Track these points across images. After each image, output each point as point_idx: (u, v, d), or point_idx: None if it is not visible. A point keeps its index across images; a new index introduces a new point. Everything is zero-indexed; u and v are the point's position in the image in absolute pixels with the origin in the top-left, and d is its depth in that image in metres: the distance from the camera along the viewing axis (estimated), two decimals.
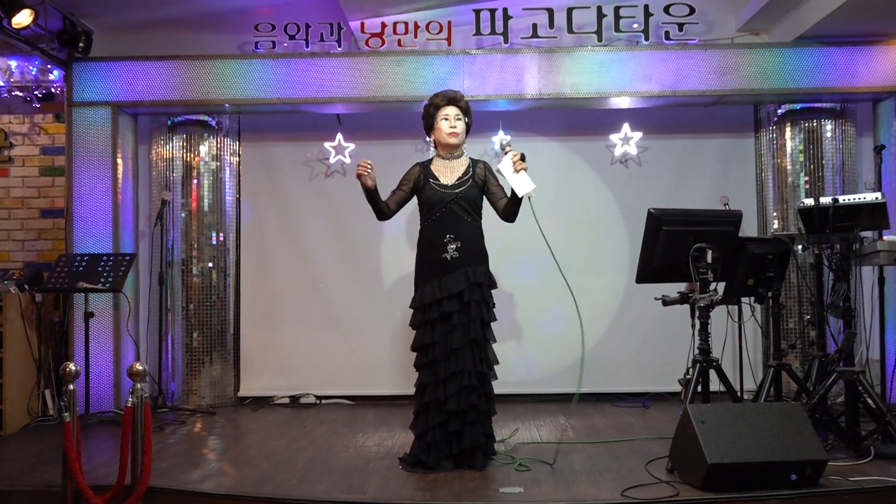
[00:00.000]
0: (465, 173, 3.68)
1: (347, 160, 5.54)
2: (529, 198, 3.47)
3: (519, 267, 5.42)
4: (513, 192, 3.53)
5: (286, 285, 5.61)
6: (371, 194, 3.63)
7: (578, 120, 5.56)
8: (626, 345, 5.48)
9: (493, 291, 3.71)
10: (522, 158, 3.49)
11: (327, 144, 5.56)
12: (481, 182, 3.68)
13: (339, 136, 5.55)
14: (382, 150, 5.58)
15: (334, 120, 5.55)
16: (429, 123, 3.78)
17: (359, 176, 3.57)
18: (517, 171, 3.47)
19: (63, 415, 2.96)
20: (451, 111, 3.68)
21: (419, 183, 3.69)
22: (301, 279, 5.60)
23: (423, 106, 3.84)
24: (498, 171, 3.60)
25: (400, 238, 5.44)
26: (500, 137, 5.46)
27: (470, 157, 3.78)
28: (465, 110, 3.74)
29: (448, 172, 3.68)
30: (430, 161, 3.79)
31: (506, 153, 3.54)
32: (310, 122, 5.59)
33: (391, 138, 5.58)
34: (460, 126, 3.68)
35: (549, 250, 3.39)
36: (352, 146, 5.55)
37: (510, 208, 3.62)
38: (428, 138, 3.93)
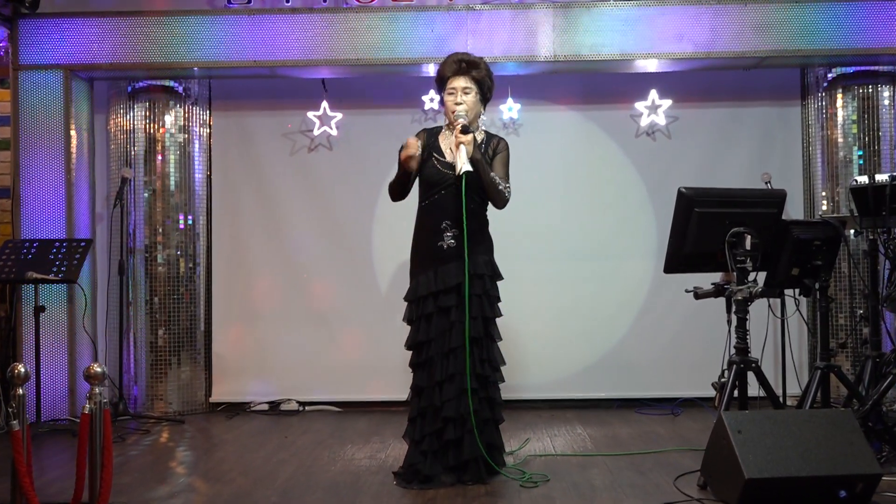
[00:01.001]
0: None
1: (334, 132, 5.54)
2: (463, 179, 3.45)
3: (527, 254, 5.43)
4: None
5: (264, 275, 5.62)
6: (406, 176, 3.64)
7: (599, 86, 5.55)
8: (653, 343, 5.50)
9: (498, 284, 3.72)
10: (464, 131, 3.48)
11: (311, 114, 5.56)
12: (490, 162, 3.66)
13: (325, 104, 5.54)
14: (374, 120, 5.58)
15: (319, 86, 5.54)
16: (440, 92, 3.77)
17: (408, 159, 3.54)
18: (457, 146, 3.48)
19: (11, 423, 2.97)
20: (458, 83, 3.65)
21: (423, 153, 3.67)
22: (281, 268, 5.61)
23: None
24: (450, 149, 3.60)
25: (395, 221, 5.43)
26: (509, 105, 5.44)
27: (486, 132, 3.76)
28: (479, 80, 3.68)
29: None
30: (438, 130, 3.77)
31: (454, 125, 3.54)
32: (291, 89, 5.57)
33: (384, 106, 5.57)
34: (469, 101, 3.64)
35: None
36: (339, 116, 5.54)
37: (485, 192, 3.61)
38: (441, 104, 3.90)
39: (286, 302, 5.60)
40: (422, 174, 3.68)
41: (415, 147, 3.55)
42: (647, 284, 5.50)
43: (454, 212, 3.58)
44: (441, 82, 3.72)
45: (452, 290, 3.56)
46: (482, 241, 3.67)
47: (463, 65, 3.66)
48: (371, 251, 5.59)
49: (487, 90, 3.73)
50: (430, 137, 3.73)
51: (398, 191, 3.72)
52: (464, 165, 3.44)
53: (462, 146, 3.47)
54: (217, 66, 5.25)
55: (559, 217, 5.54)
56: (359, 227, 5.58)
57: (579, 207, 5.55)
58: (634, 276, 5.52)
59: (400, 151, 3.58)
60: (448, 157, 3.63)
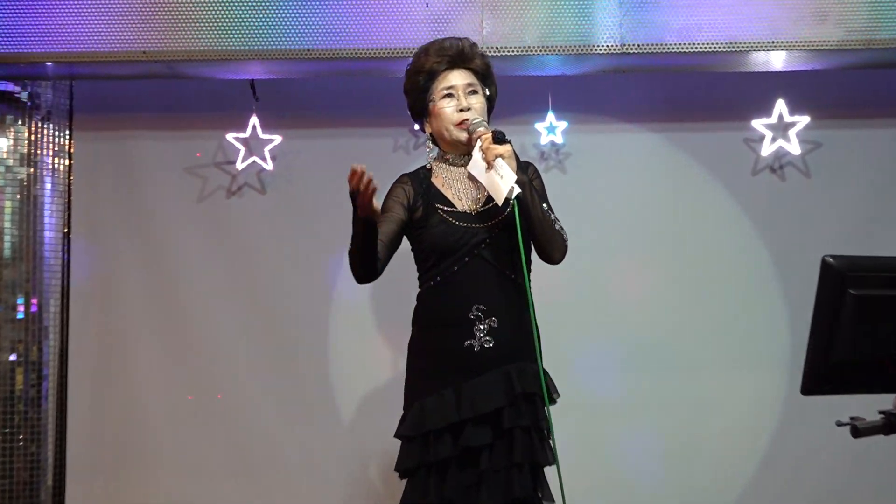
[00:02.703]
0: None
1: (268, 165, 5.58)
2: (511, 201, 3.44)
3: (579, 360, 5.42)
4: (506, 200, 3.44)
5: (155, 397, 5.61)
6: (368, 230, 3.47)
7: (692, 94, 5.65)
8: (790, 501, 5.49)
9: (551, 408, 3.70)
10: (498, 140, 3.48)
11: (232, 136, 5.61)
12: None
13: (255, 120, 5.59)
14: (334, 146, 5.62)
15: (246, 92, 5.61)
16: (419, 104, 3.78)
17: (357, 193, 3.36)
18: (490, 163, 3.49)
19: None
20: (457, 79, 3.68)
21: (415, 211, 3.68)
22: (183, 385, 5.62)
23: (405, 70, 3.83)
24: (469, 175, 3.60)
25: (366, 307, 5.48)
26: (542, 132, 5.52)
27: None
28: (483, 74, 3.75)
29: (467, 189, 3.69)
30: (427, 171, 3.78)
31: (475, 140, 3.53)
32: (202, 96, 5.69)
33: (350, 125, 5.65)
34: (477, 104, 3.68)
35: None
36: (277, 139, 5.59)
37: (535, 234, 3.58)
38: (417, 126, 3.93)
39: (191, 441, 5.59)
40: (424, 239, 3.69)
41: (366, 174, 3.34)
42: (776, 412, 5.51)
43: (489, 290, 3.55)
44: (422, 85, 3.73)
45: (487, 419, 3.53)
46: (532, 336, 3.56)
47: (468, 48, 3.69)
48: (327, 357, 5.61)
49: (495, 92, 3.80)
50: (420, 185, 3.70)
51: (360, 260, 3.60)
52: (514, 187, 3.43)
53: (501, 160, 3.45)
54: (83, 58, 5.27)
55: (628, 299, 5.57)
56: (308, 319, 5.61)
57: (661, 285, 5.57)
58: (754, 399, 5.53)
59: (349, 182, 3.40)
60: (459, 205, 3.65)
